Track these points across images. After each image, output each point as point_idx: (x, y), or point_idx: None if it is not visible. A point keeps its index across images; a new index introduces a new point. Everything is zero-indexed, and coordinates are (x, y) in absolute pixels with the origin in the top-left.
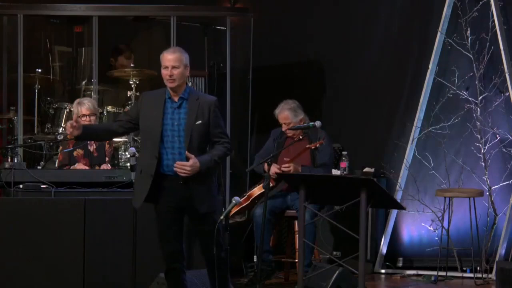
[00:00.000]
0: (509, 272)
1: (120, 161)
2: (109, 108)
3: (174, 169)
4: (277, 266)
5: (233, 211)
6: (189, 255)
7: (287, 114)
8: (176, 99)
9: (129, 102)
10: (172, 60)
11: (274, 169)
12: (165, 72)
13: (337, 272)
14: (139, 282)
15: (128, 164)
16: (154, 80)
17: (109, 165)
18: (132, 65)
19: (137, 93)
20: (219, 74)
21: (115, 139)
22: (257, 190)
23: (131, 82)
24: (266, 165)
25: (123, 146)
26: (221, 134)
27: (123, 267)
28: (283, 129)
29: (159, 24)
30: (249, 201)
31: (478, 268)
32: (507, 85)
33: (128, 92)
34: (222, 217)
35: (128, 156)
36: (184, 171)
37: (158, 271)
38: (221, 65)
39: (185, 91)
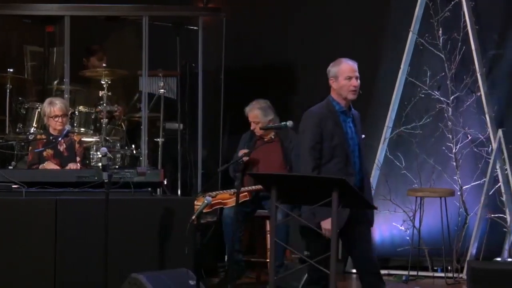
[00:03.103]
0: (480, 272)
1: (91, 161)
2: (81, 108)
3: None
4: (249, 266)
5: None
6: (162, 255)
7: (257, 113)
8: (348, 112)
9: (101, 102)
10: (355, 70)
11: (243, 150)
12: (348, 83)
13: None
14: (111, 282)
15: (100, 164)
16: (126, 80)
17: (78, 164)
18: (104, 65)
19: (109, 93)
20: (191, 74)
21: (85, 139)
22: (228, 198)
23: (103, 82)
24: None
25: (94, 146)
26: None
27: (95, 267)
28: (252, 127)
29: (131, 24)
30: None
31: (449, 268)
32: (479, 85)
33: (100, 92)
34: (193, 217)
35: (100, 156)
36: None
37: (130, 271)
38: (193, 65)
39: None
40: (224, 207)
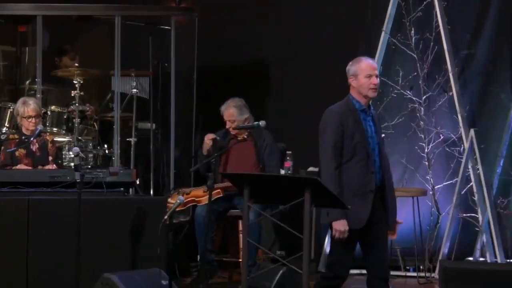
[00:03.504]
0: (452, 271)
1: (64, 161)
2: (53, 107)
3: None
4: (221, 265)
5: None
6: (135, 255)
7: (232, 111)
8: (368, 111)
9: (73, 102)
10: (375, 68)
11: (209, 136)
12: (368, 81)
13: (281, 271)
14: (83, 282)
15: (72, 164)
16: (98, 80)
17: (55, 165)
18: (76, 64)
19: (81, 93)
20: (163, 74)
21: (57, 138)
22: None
23: (75, 82)
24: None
25: (67, 145)
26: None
27: (67, 267)
28: (227, 126)
29: (103, 24)
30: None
31: (421, 267)
32: (451, 85)
33: (72, 91)
34: (166, 217)
35: (72, 155)
36: None
37: (102, 271)
38: (166, 64)
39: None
40: (198, 205)
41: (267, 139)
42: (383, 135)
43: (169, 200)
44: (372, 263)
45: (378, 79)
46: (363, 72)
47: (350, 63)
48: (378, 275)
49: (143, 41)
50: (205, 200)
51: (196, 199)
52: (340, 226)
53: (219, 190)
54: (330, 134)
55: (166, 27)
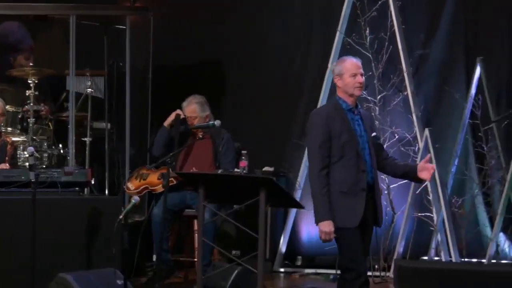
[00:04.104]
0: (407, 270)
1: (18, 161)
2: (8, 107)
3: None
4: (177, 265)
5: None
6: (90, 255)
7: (194, 107)
8: (355, 110)
9: (28, 102)
10: (359, 66)
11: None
12: (353, 80)
13: (236, 271)
14: (38, 282)
15: (27, 164)
16: (53, 79)
17: (7, 164)
18: (31, 64)
19: (36, 93)
20: (118, 73)
21: (15, 138)
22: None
23: (30, 81)
24: (151, 171)
25: (21, 145)
26: (382, 145)
27: (22, 267)
28: (189, 122)
29: (58, 23)
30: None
31: (376, 267)
32: (406, 85)
33: (27, 91)
34: (121, 217)
35: (27, 155)
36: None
37: (57, 271)
38: (121, 64)
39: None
40: (153, 205)
41: (225, 138)
42: (374, 133)
43: (128, 185)
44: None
45: (363, 77)
46: (348, 72)
47: (335, 63)
48: (362, 279)
49: (98, 40)
50: (159, 188)
51: (151, 187)
52: (325, 227)
53: (172, 178)
54: (315, 135)
55: (121, 27)
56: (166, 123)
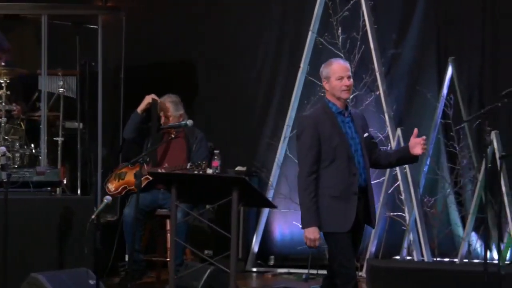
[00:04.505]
0: (379, 270)
1: None
2: None
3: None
4: (149, 265)
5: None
6: (62, 255)
7: (168, 106)
8: (345, 112)
9: (0, 101)
10: (347, 69)
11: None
12: (340, 83)
13: (208, 271)
14: (10, 282)
15: None
16: (25, 79)
17: None
18: (3, 63)
19: (8, 92)
20: (91, 73)
21: None
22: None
23: (1, 81)
24: (128, 169)
25: None
26: (376, 143)
27: None
28: (162, 121)
29: (30, 23)
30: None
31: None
32: (378, 84)
33: None
34: (93, 217)
35: None
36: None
37: (29, 271)
38: (93, 64)
39: (347, 104)
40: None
41: (198, 137)
42: (366, 134)
43: (109, 186)
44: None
45: (351, 79)
46: (335, 74)
47: (323, 65)
48: (349, 281)
49: (70, 40)
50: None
51: (129, 186)
52: (310, 233)
53: (146, 175)
54: (305, 140)
55: (93, 26)
56: (139, 108)
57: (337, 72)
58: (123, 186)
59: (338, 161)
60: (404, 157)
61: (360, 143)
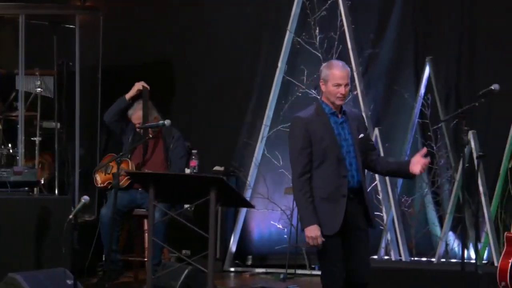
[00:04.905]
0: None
1: None
2: None
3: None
4: (127, 265)
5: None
6: (40, 255)
7: (140, 114)
8: (339, 114)
9: None
10: (345, 77)
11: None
12: (336, 90)
13: (186, 270)
14: None
15: None
16: (2, 78)
17: None
18: None
19: None
20: (68, 73)
21: None
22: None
23: None
24: (115, 164)
25: None
26: (374, 146)
27: None
28: (137, 128)
29: (7, 23)
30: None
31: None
32: (355, 84)
33: None
34: (71, 216)
35: None
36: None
37: (7, 271)
38: (70, 63)
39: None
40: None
41: (175, 136)
42: (361, 135)
43: (96, 177)
44: (350, 269)
45: (348, 87)
46: (333, 80)
47: (324, 65)
48: (356, 281)
49: (47, 40)
50: (125, 182)
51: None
52: (311, 232)
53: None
54: (295, 141)
55: (71, 26)
56: (128, 95)
57: (336, 78)
58: (108, 181)
59: (328, 163)
60: (402, 170)
61: (354, 145)
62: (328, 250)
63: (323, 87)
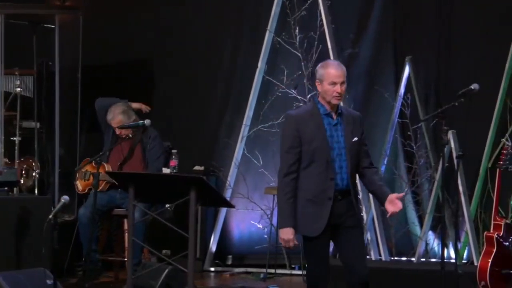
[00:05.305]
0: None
1: None
2: None
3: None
4: (107, 265)
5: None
6: (19, 255)
7: (120, 118)
8: (334, 115)
9: None
10: (341, 76)
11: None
12: (332, 89)
13: (166, 270)
14: None
15: None
16: None
17: None
18: None
19: None
20: (48, 73)
21: None
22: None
23: None
24: (94, 164)
25: None
26: (368, 152)
27: None
28: (117, 132)
29: None
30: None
31: (306, 265)
32: None
33: None
34: (51, 216)
35: None
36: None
37: None
38: (50, 63)
39: (338, 106)
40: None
41: (152, 135)
42: (355, 138)
43: (77, 184)
44: (348, 269)
45: (344, 86)
46: (328, 79)
47: (319, 65)
48: (355, 281)
49: (27, 39)
50: (104, 186)
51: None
52: (284, 234)
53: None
54: (284, 139)
55: (50, 26)
56: (132, 102)
57: (331, 77)
58: (89, 187)
59: (316, 164)
60: (379, 199)
61: (345, 148)
62: (312, 251)
63: (319, 87)
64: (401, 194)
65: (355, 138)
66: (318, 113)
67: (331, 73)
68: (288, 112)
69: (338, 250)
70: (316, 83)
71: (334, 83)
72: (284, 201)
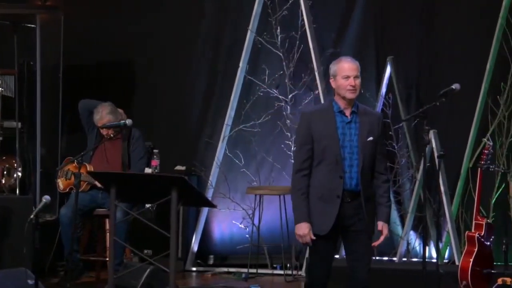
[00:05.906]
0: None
1: None
2: None
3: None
4: (89, 265)
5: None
6: (0, 254)
7: (109, 118)
8: (348, 112)
9: None
10: (355, 69)
11: None
12: (346, 82)
13: (148, 270)
14: None
15: None
16: None
17: None
18: None
19: None
20: (29, 73)
21: None
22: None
23: None
24: (76, 164)
25: None
26: (383, 159)
27: None
28: (105, 133)
29: None
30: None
31: (288, 265)
32: (317, 83)
33: None
34: (32, 216)
35: None
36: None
37: None
38: (31, 63)
39: (355, 104)
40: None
41: (135, 136)
42: (370, 138)
43: (59, 183)
44: (350, 271)
45: (359, 80)
46: (341, 73)
47: (332, 63)
48: (355, 285)
49: (8, 39)
50: (85, 187)
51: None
52: (299, 230)
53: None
54: (297, 136)
55: (32, 26)
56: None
57: (344, 70)
58: (70, 186)
59: (326, 162)
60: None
61: (358, 147)
62: (315, 249)
63: (333, 84)
64: (376, 242)
65: (370, 138)
66: (331, 111)
67: (344, 67)
68: (302, 109)
69: (345, 253)
70: (330, 81)
71: (347, 77)
72: (297, 197)
